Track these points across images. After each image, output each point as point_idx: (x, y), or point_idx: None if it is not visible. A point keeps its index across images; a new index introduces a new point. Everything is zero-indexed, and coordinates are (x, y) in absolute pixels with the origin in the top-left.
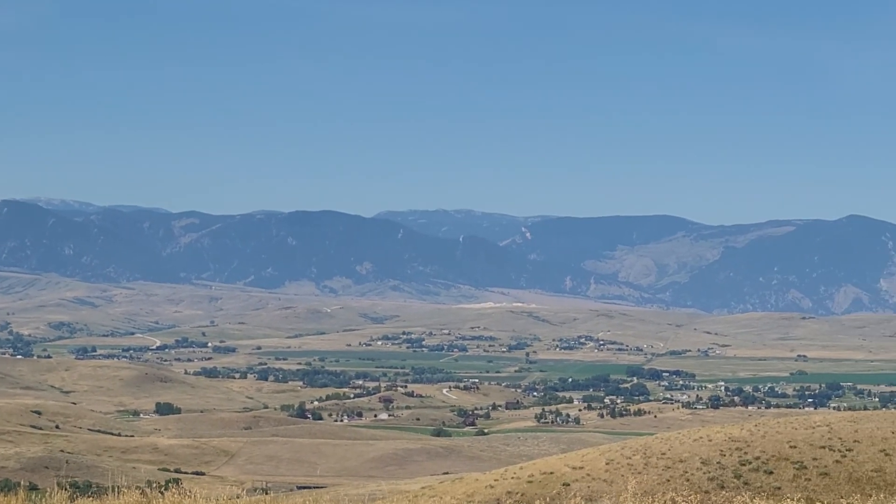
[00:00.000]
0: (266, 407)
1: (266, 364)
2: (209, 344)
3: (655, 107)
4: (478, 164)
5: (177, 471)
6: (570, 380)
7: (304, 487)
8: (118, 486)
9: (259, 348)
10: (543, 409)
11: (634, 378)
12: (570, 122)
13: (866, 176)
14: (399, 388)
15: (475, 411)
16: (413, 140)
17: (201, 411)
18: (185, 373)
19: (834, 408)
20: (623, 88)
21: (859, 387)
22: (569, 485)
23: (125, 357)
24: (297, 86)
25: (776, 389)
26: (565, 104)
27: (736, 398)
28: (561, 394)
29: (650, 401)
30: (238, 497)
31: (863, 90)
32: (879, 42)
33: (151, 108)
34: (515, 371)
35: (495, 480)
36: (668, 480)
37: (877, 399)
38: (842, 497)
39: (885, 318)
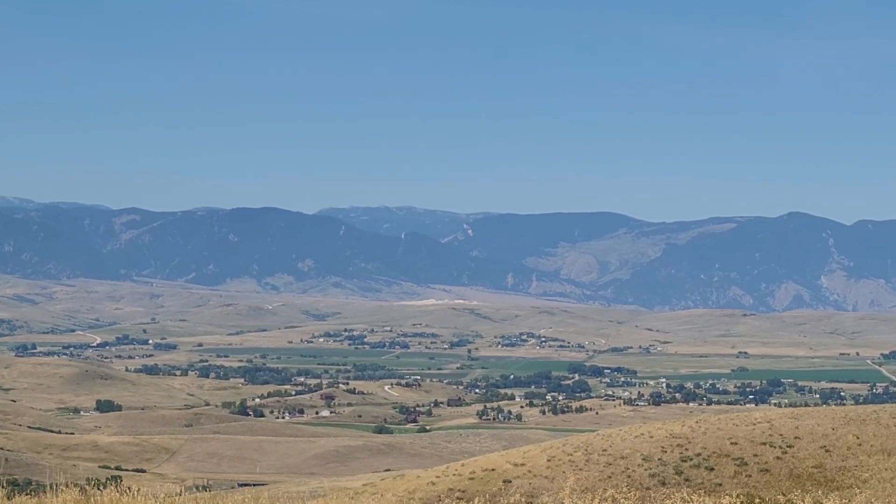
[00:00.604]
0: (207, 404)
1: (207, 361)
2: (150, 341)
3: (598, 104)
4: (420, 160)
5: (117, 468)
6: (511, 377)
7: (245, 485)
8: (57, 484)
9: (200, 345)
10: (485, 406)
11: (576, 375)
12: (512, 119)
13: (807, 173)
14: (341, 386)
15: (417, 408)
16: (355, 137)
17: (142, 409)
18: (126, 370)
19: (775, 404)
20: (566, 86)
21: (800, 383)
22: (510, 482)
23: (65, 354)
24: (236, 83)
25: (717, 386)
26: (507, 101)
27: (677, 395)
28: (503, 391)
29: (592, 398)
30: (178, 494)
31: (803, 88)
32: (820, 40)
33: (92, 104)
34: (457, 368)
35: (437, 477)
36: (609, 477)
37: (817, 395)
38: (782, 493)
39: (825, 314)
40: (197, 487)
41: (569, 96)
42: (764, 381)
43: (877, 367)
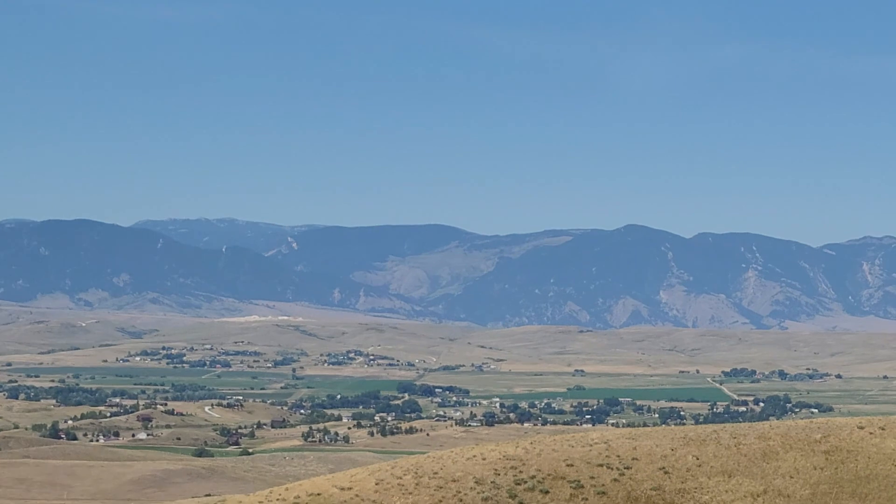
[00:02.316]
0: (17, 427)
1: (17, 381)
2: None
3: (427, 114)
4: (241, 171)
5: None
6: (338, 397)
7: None
8: None
9: (9, 365)
10: (311, 428)
11: (406, 394)
12: (338, 129)
13: (645, 185)
14: (159, 406)
15: (239, 430)
16: (173, 147)
17: None
18: None
19: (612, 424)
20: (379, 98)
21: (638, 402)
22: None
23: None
24: (47, 89)
25: (553, 405)
26: (330, 111)
27: (511, 414)
28: (329, 411)
29: (423, 418)
30: None
31: (638, 99)
32: (656, 49)
33: None
34: (282, 388)
35: (260, 502)
36: (440, 501)
37: (656, 415)
38: None
39: (664, 330)
40: None
41: (399, 107)
42: (601, 401)
43: (717, 385)
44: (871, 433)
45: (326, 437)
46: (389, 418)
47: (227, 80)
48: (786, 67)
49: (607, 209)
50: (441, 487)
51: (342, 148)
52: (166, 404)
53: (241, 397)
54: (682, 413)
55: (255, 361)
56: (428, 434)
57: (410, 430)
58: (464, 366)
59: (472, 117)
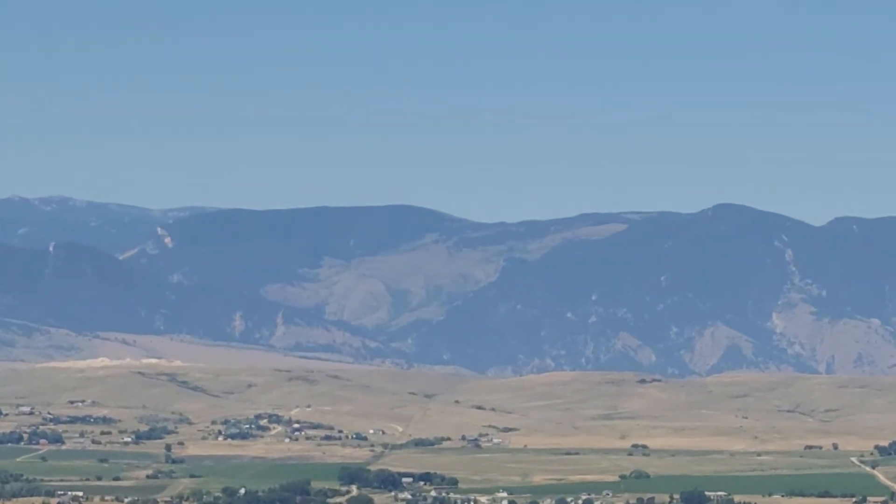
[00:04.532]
0: None
1: None
2: None
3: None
4: (78, 126)
5: None
6: (242, 492)
7: None
8: None
9: None
10: None
11: (354, 487)
12: (235, 62)
13: (742, 144)
14: None
15: None
16: None
17: None
18: None
19: None
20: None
21: (737, 499)
22: None
23: None
24: None
25: None
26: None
27: None
28: None
29: None
30: None
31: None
32: None
33: None
34: (148, 476)
35: None
36: None
37: None
38: None
39: (780, 379)
40: None
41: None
42: (676, 496)
43: (868, 469)
44: None
45: None
46: None
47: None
48: None
49: (685, 180)
50: None
51: (243, 88)
52: None
53: (80, 493)
54: None
55: (104, 433)
56: None
57: None
58: (449, 439)
59: (461, 37)
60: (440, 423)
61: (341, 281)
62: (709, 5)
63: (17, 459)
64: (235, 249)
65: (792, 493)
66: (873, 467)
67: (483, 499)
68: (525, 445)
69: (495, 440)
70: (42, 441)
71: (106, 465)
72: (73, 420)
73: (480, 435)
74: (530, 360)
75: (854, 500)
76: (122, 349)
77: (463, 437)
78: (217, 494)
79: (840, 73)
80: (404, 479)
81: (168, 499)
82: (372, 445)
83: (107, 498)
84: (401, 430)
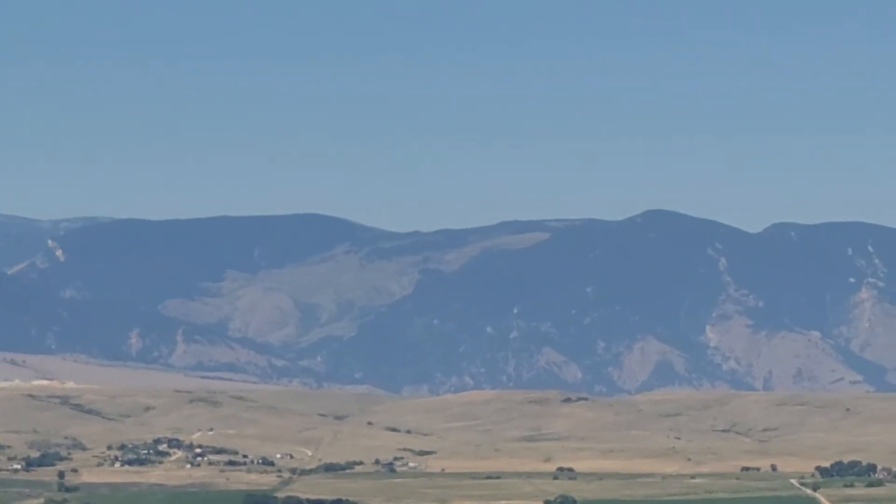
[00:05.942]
0: None
1: None
2: None
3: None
4: None
5: None
6: None
7: None
8: None
9: None
10: None
11: None
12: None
13: (672, 149)
14: None
15: None
16: None
17: None
18: None
19: None
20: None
21: None
22: None
23: None
24: None
25: None
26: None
27: None
28: None
29: None
30: None
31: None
32: None
33: None
34: None
35: None
36: None
37: None
38: None
39: (714, 396)
40: None
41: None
42: None
43: (809, 491)
44: None
45: None
46: None
47: None
48: None
49: (611, 185)
50: None
51: (137, 89)
52: None
53: None
54: None
55: None
56: None
57: None
58: (361, 463)
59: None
60: (352, 446)
61: (246, 295)
62: (637, 9)
63: None
64: (132, 262)
65: None
66: (815, 489)
67: None
68: (443, 469)
69: (411, 464)
70: None
71: None
72: None
73: (395, 458)
74: (448, 379)
75: None
76: (10, 370)
77: (376, 461)
78: None
79: (776, 71)
80: None
81: None
82: (279, 471)
83: None
84: (310, 454)
